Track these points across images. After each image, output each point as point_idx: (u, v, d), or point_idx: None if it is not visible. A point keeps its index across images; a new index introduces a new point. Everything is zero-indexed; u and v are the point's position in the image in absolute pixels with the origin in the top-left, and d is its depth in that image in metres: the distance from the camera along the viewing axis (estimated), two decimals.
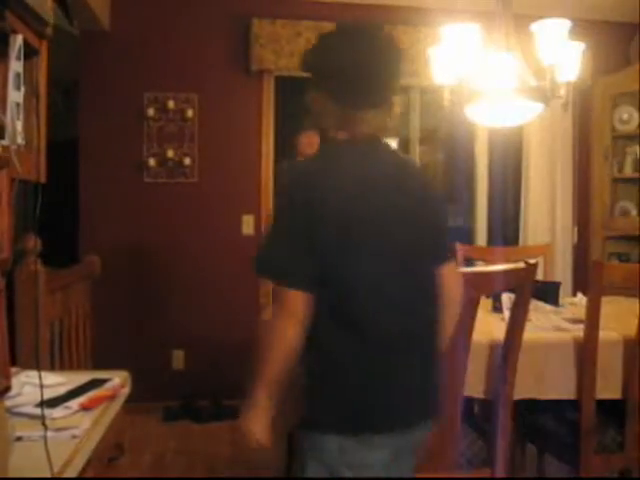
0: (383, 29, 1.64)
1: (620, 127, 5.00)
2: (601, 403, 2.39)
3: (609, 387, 2.40)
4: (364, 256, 1.49)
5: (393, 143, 7.97)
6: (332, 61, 1.56)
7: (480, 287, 2.14)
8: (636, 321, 2.35)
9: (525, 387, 2.33)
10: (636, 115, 4.95)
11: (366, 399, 1.50)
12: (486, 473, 2.27)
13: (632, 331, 2.38)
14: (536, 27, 2.85)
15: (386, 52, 1.61)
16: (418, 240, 1.56)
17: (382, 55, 1.59)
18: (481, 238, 5.24)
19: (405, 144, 5.47)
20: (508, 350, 2.22)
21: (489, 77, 2.84)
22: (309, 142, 3.72)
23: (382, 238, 1.50)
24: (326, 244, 1.46)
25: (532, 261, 2.16)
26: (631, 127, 4.97)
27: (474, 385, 2.27)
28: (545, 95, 2.87)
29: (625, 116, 4.97)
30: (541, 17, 2.84)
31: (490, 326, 2.46)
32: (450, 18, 3.08)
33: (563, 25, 2.83)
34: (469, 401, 2.33)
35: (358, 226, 1.48)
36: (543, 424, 2.59)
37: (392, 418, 1.54)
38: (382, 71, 1.58)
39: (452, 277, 1.68)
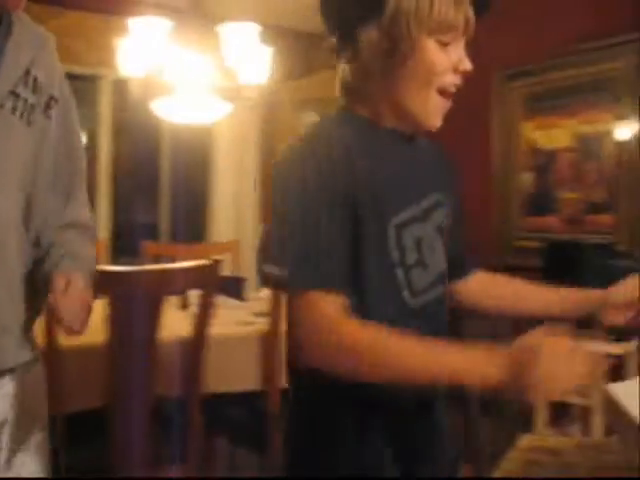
0: None
1: (304, 131, 5.30)
2: (285, 391, 2.51)
3: None
4: None
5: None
6: None
7: (164, 285, 2.12)
8: None
9: (214, 381, 2.35)
10: None
11: None
12: (179, 470, 2.27)
13: None
14: (225, 29, 2.90)
15: None
16: None
17: None
18: (168, 235, 5.24)
19: (93, 137, 5.27)
20: (195, 346, 2.23)
21: (178, 73, 2.83)
22: None
23: None
24: None
25: (217, 258, 2.19)
26: None
27: (165, 383, 2.25)
28: (233, 96, 2.94)
29: (309, 120, 5.29)
30: (233, 19, 2.91)
31: (178, 324, 2.45)
32: (141, 10, 3.02)
33: (252, 29, 2.92)
34: (159, 399, 2.30)
35: None
36: (233, 417, 2.65)
37: None
38: None
39: None
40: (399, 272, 1.19)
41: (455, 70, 1.19)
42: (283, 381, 2.48)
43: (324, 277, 1.10)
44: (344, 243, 1.13)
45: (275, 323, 2.44)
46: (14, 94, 1.35)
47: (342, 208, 1.13)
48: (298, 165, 1.15)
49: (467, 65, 1.20)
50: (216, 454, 3.07)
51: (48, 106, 1.44)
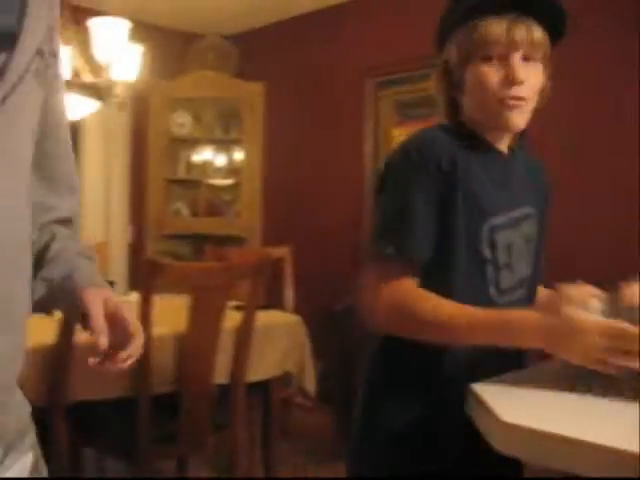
0: None
1: (176, 131, 5.23)
2: (157, 397, 2.45)
3: (163, 381, 2.48)
4: None
5: None
6: None
7: None
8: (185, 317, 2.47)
9: (81, 388, 2.28)
10: (191, 120, 5.25)
11: None
12: None
13: (182, 327, 2.49)
14: (94, 23, 2.82)
15: None
16: None
17: None
18: None
19: None
20: (61, 353, 2.16)
21: None
22: None
23: None
24: None
25: None
26: (186, 131, 5.24)
27: (29, 391, 2.15)
28: (101, 93, 2.85)
29: (181, 120, 5.23)
30: (103, 13, 2.83)
31: (42, 331, 2.35)
32: None
33: (123, 25, 2.84)
34: None
35: None
36: (101, 424, 2.57)
37: None
38: None
39: None
40: (489, 269, 1.30)
41: (505, 83, 1.27)
42: (154, 387, 2.42)
43: (404, 247, 1.23)
44: (431, 225, 1.24)
45: (144, 327, 2.37)
46: (40, 53, 0.93)
47: (437, 195, 1.24)
48: (406, 156, 1.27)
49: (516, 77, 1.26)
50: (83, 462, 2.98)
51: (47, 65, 0.97)
